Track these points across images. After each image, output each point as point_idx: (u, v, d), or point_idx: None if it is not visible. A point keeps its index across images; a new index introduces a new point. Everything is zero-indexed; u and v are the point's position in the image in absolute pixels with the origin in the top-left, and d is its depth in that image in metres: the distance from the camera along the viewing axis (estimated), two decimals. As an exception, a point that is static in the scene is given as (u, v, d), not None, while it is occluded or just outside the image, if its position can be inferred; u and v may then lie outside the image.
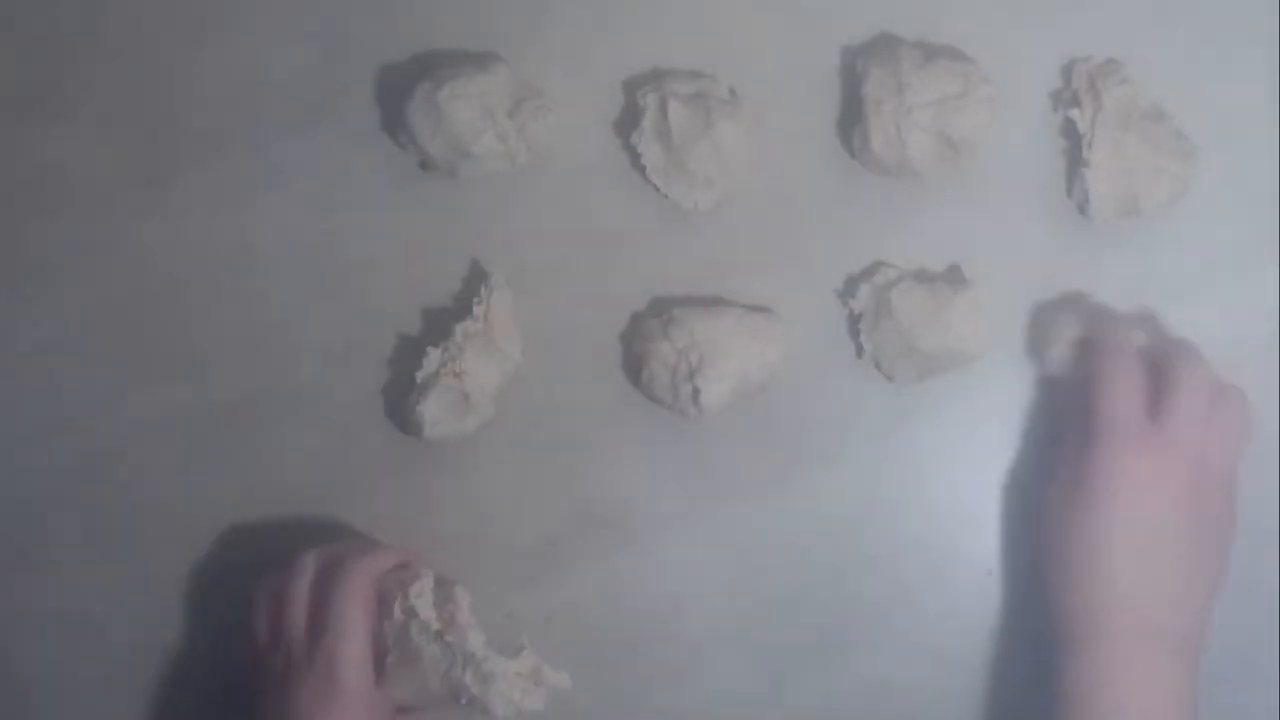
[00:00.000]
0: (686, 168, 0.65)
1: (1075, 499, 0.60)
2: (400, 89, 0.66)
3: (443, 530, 0.66)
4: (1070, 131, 0.66)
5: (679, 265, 0.67)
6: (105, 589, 0.66)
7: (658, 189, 0.66)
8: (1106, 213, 0.65)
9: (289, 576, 0.60)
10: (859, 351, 0.66)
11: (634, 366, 0.66)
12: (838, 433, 0.66)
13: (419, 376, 0.64)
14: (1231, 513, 0.61)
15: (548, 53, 0.68)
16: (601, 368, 0.67)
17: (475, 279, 0.67)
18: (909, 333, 0.64)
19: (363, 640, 0.59)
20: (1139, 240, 0.66)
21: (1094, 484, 0.59)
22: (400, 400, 0.65)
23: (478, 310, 0.65)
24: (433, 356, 0.64)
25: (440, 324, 0.66)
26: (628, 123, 0.67)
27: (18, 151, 0.68)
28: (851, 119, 0.66)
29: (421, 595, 0.59)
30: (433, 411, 0.63)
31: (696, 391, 0.63)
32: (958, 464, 0.66)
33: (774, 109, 0.67)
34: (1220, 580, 0.60)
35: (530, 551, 0.65)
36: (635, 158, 0.66)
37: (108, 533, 0.66)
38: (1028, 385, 0.66)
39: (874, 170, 0.66)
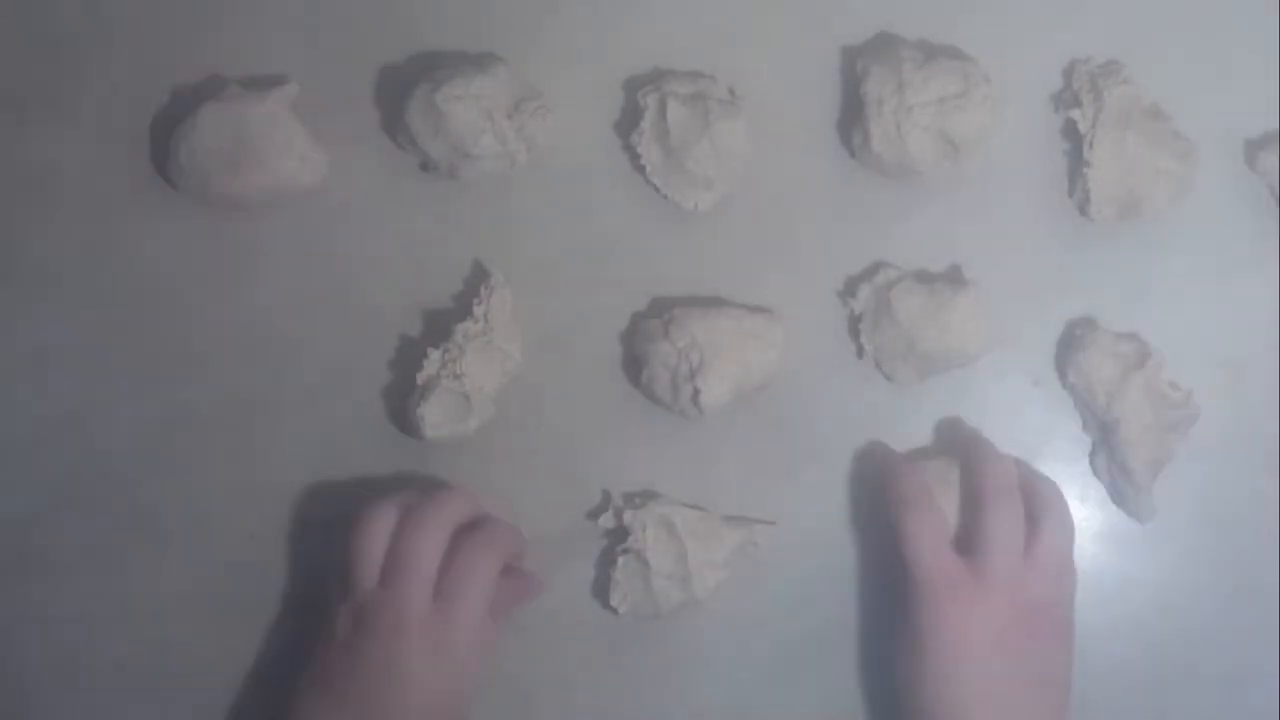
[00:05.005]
0: (686, 168, 0.65)
1: (907, 651, 0.59)
2: (400, 89, 0.66)
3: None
4: (1071, 132, 0.66)
5: (679, 265, 0.67)
6: (105, 590, 0.66)
7: (658, 189, 0.66)
8: (1107, 213, 0.65)
9: (372, 519, 0.60)
10: (859, 351, 0.66)
11: (634, 366, 0.66)
12: (838, 433, 0.66)
13: (419, 378, 0.64)
14: (1064, 644, 0.60)
15: (548, 53, 0.68)
16: (601, 368, 0.67)
17: (475, 279, 0.67)
18: (909, 333, 0.64)
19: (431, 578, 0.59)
20: (1139, 240, 0.66)
21: (919, 638, 0.58)
22: (401, 402, 0.65)
23: (478, 310, 0.65)
24: (433, 358, 0.64)
25: (440, 324, 0.66)
26: (628, 123, 0.67)
27: (18, 151, 0.68)
28: (851, 119, 0.66)
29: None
30: (433, 413, 0.63)
31: (696, 392, 0.63)
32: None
33: (774, 109, 0.67)
34: (1064, 711, 0.59)
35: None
36: (635, 158, 0.66)
37: (108, 534, 0.66)
38: (1027, 385, 0.66)
39: (874, 170, 0.66)
